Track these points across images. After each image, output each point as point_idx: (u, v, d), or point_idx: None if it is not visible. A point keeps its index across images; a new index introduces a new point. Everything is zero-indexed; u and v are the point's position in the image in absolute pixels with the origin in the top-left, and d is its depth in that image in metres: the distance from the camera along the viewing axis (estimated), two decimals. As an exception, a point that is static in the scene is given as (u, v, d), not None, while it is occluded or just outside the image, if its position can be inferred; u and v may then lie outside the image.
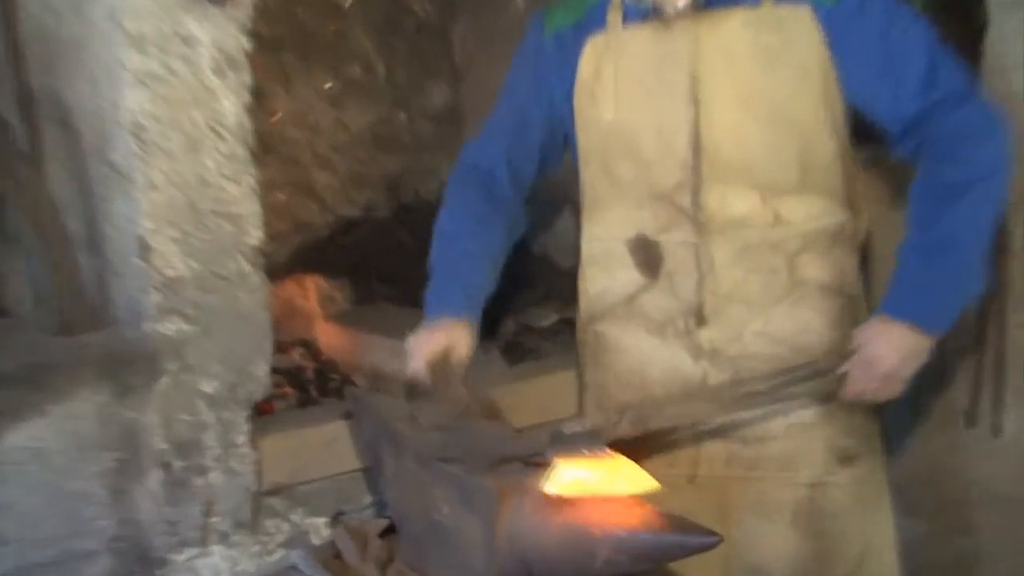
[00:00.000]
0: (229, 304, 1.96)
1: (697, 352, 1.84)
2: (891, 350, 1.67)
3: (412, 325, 2.10)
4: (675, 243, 1.82)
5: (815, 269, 1.79)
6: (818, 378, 1.73)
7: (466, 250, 1.96)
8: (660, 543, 1.38)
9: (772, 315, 1.79)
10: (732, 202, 1.77)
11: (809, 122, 1.73)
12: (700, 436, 1.87)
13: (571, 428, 1.55)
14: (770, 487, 1.85)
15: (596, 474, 1.45)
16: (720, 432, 1.86)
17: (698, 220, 1.79)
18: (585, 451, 1.46)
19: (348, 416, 2.19)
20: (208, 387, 1.95)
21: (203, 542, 1.97)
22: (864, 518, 1.89)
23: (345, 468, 2.18)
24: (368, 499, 2.18)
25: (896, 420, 2.17)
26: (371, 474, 2.15)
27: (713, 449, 1.87)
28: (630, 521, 1.40)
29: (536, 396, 2.30)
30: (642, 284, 1.86)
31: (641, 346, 1.90)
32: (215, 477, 1.97)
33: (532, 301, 2.95)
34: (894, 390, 1.72)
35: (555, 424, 1.56)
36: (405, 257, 3.68)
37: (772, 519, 1.86)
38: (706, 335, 1.83)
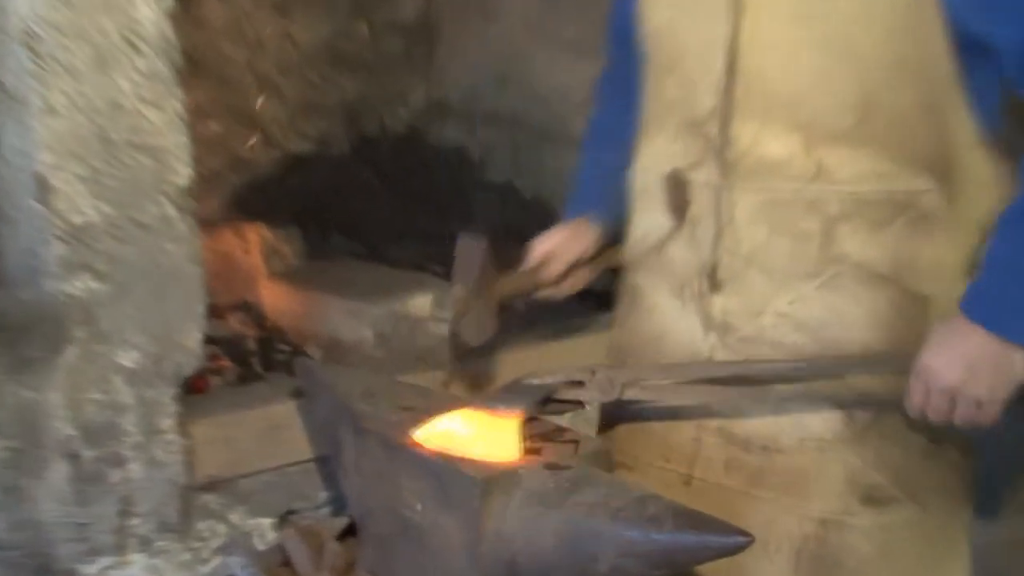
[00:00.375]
0: (151, 257, 1.94)
1: (708, 322, 1.84)
2: (954, 358, 1.59)
3: (378, 283, 2.11)
4: (701, 184, 1.82)
5: (859, 244, 1.73)
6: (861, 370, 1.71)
7: (612, 137, 2.07)
8: (677, 544, 1.38)
9: (799, 294, 1.77)
10: (767, 141, 1.74)
11: (879, 56, 1.68)
12: (700, 429, 1.88)
13: (530, 381, 1.75)
14: (773, 512, 1.83)
15: (468, 430, 1.66)
16: (721, 430, 1.86)
17: (724, 158, 1.77)
18: (501, 407, 1.69)
19: (299, 394, 2.18)
20: (126, 359, 1.94)
21: (120, 549, 1.97)
22: None
23: (295, 458, 2.18)
24: (323, 494, 2.19)
25: (994, 468, 2.02)
26: (327, 464, 2.14)
27: (712, 449, 1.88)
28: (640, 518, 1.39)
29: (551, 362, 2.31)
30: (670, 230, 1.87)
31: (664, 307, 1.91)
32: (135, 470, 1.97)
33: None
34: (969, 416, 1.62)
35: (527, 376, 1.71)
36: (368, 201, 3.70)
37: (771, 554, 1.83)
38: (719, 303, 1.82)
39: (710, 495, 1.85)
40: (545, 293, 2.15)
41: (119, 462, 1.95)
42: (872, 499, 1.79)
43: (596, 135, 2.20)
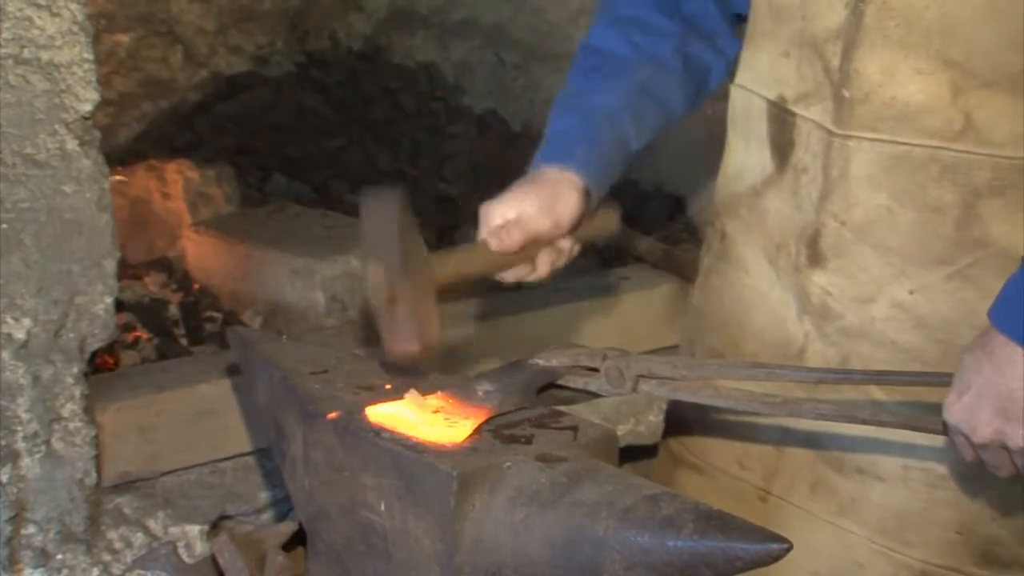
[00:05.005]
0: (47, 202, 1.95)
1: (804, 302, 1.82)
2: (977, 399, 1.52)
3: (329, 235, 2.09)
4: (811, 123, 1.79)
5: (1008, 227, 1.71)
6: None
7: (613, 69, 1.97)
8: (698, 553, 1.38)
9: (923, 282, 1.75)
10: (902, 80, 1.67)
11: None
12: (785, 435, 1.85)
13: (535, 362, 1.71)
14: (864, 554, 1.83)
15: (419, 416, 1.65)
16: (810, 440, 1.85)
17: (842, 96, 1.74)
18: (479, 398, 1.66)
19: (233, 372, 2.19)
20: (16, 329, 1.95)
21: (10, 564, 1.97)
22: None
23: (229, 451, 2.19)
24: (264, 495, 2.20)
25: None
26: (268, 459, 2.15)
27: (798, 462, 1.86)
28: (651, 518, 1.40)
29: (528, 339, 2.31)
30: (770, 174, 1.84)
31: (756, 270, 1.87)
32: (29, 467, 1.97)
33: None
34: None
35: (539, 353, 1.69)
36: (316, 134, 3.69)
37: None
38: (819, 280, 1.80)
39: (789, 519, 1.84)
40: (509, 276, 1.90)
41: (9, 457, 1.95)
42: (990, 558, 1.77)
43: (590, 62, 2.01)
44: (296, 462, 1.83)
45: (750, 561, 1.37)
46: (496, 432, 1.62)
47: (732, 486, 1.85)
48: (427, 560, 1.56)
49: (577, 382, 1.75)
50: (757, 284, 1.89)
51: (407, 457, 1.58)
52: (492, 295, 2.59)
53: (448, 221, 3.20)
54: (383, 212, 1.77)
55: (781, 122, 1.81)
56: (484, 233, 1.85)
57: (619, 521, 1.44)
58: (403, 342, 1.75)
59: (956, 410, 1.53)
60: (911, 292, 1.74)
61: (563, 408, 1.78)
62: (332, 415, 1.73)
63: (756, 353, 1.88)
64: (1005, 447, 1.52)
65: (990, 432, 1.51)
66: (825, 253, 1.77)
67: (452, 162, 3.57)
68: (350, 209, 3.08)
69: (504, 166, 2.94)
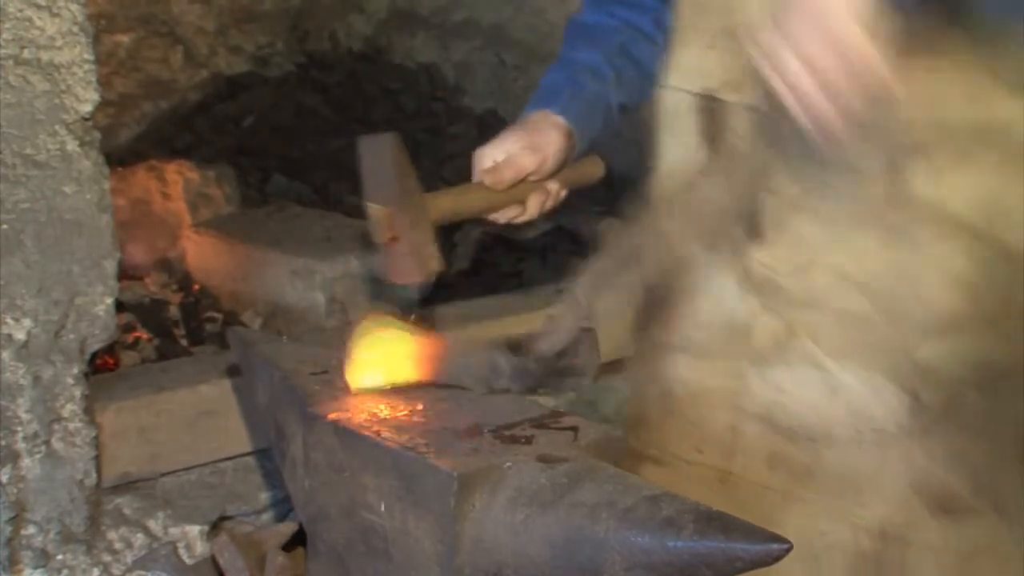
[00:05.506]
0: (47, 203, 1.94)
1: (747, 280, 1.85)
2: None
3: (329, 236, 2.10)
4: (741, 108, 1.82)
5: (940, 184, 1.76)
6: None
7: (592, 36, 2.10)
8: (699, 553, 1.38)
9: (859, 247, 1.78)
10: None
11: None
12: (739, 414, 1.89)
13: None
14: (824, 521, 1.85)
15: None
16: (763, 417, 1.87)
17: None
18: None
19: (234, 372, 2.18)
20: (17, 330, 1.94)
21: (10, 565, 1.97)
22: None
23: (229, 451, 2.19)
24: (265, 496, 2.20)
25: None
26: (268, 459, 2.15)
27: (753, 439, 1.89)
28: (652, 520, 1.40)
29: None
30: (702, 164, 1.87)
31: (695, 261, 1.91)
32: (29, 467, 1.97)
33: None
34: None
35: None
36: (317, 133, 3.69)
37: (821, 569, 1.88)
38: (759, 257, 1.83)
39: (750, 496, 1.87)
40: (502, 216, 2.08)
41: (9, 458, 1.95)
42: (944, 508, 1.79)
43: (575, 31, 2.19)
44: (296, 463, 1.84)
45: (750, 561, 1.37)
46: (496, 433, 1.62)
47: (692, 472, 1.87)
48: (427, 561, 1.56)
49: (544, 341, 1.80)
50: (697, 276, 1.92)
51: (407, 457, 1.58)
52: (494, 295, 2.60)
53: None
54: (381, 154, 1.90)
55: (710, 112, 1.85)
56: (477, 174, 2.02)
57: (619, 522, 1.44)
58: (405, 274, 1.91)
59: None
60: (848, 256, 1.77)
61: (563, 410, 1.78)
62: (332, 415, 1.73)
63: (704, 340, 1.90)
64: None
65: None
66: (764, 229, 1.81)
67: (452, 162, 3.56)
68: (351, 210, 3.08)
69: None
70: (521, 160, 2.02)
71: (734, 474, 1.90)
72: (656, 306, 2.00)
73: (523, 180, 2.04)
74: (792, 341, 1.80)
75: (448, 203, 1.99)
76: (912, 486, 1.79)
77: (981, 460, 1.78)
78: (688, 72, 1.90)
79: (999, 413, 1.72)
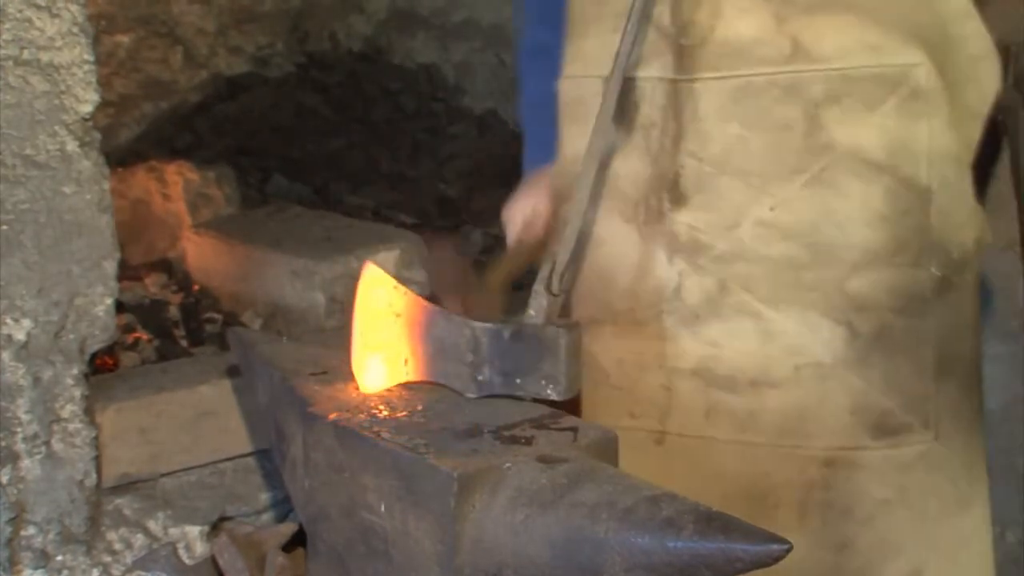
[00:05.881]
0: (47, 203, 1.95)
1: (673, 245, 1.87)
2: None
3: (329, 236, 2.10)
4: (652, 80, 1.86)
5: (849, 130, 1.81)
6: None
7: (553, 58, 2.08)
8: (698, 554, 1.37)
9: (782, 196, 1.81)
10: (730, 19, 1.79)
11: None
12: (672, 374, 1.90)
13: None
14: (770, 462, 1.87)
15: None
16: (698, 372, 1.89)
17: (680, 45, 1.82)
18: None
19: (233, 373, 2.18)
20: (17, 330, 1.95)
21: (10, 565, 1.97)
22: (917, 528, 1.89)
23: (229, 452, 2.20)
24: (264, 496, 2.20)
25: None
26: (268, 459, 2.16)
27: (689, 396, 1.90)
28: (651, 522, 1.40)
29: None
30: (614, 142, 1.90)
31: (617, 236, 1.94)
32: (29, 468, 1.98)
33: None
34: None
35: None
36: (317, 134, 3.70)
37: (769, 511, 1.88)
38: (685, 219, 1.86)
39: (689, 452, 1.90)
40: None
41: (9, 458, 1.95)
42: (883, 428, 1.85)
43: (535, 58, 2.19)
44: (296, 463, 1.84)
45: (750, 562, 1.37)
46: (496, 433, 1.62)
47: (627, 437, 1.87)
48: (427, 561, 1.56)
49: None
50: (616, 251, 1.96)
51: (407, 458, 1.58)
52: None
53: (448, 221, 3.20)
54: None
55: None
56: (513, 234, 2.17)
57: (619, 522, 1.44)
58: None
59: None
60: (772, 208, 1.82)
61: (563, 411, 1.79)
62: (332, 416, 1.73)
63: (630, 309, 1.94)
64: None
65: None
66: (687, 192, 1.85)
67: (452, 163, 3.57)
68: (350, 210, 3.09)
69: (504, 166, 2.94)
70: (547, 210, 2.14)
71: (671, 433, 1.92)
72: (575, 284, 2.04)
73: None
74: (724, 296, 1.84)
75: (504, 271, 2.13)
76: (853, 412, 1.84)
77: (909, 380, 1.85)
78: (592, 59, 1.94)
79: (920, 333, 1.79)
